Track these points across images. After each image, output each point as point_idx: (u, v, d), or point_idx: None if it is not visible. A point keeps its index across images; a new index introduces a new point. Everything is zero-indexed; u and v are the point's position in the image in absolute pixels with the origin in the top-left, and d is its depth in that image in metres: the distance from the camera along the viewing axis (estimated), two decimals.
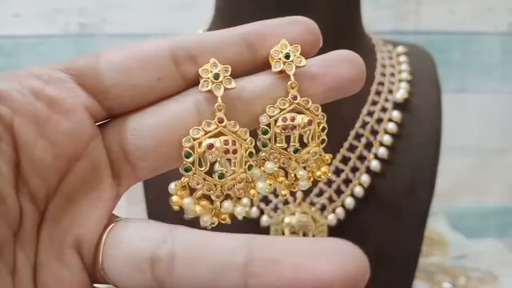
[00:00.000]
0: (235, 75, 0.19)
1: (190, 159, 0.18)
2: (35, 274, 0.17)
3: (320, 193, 0.37)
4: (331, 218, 0.36)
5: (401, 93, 0.39)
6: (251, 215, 0.37)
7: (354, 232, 0.37)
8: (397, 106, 0.39)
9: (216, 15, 0.40)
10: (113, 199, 0.18)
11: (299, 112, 0.19)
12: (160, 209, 0.38)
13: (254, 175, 0.19)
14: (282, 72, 0.19)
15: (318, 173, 0.20)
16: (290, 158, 0.19)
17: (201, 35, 0.19)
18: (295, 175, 0.20)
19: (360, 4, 0.39)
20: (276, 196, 0.37)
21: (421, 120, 0.39)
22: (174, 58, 0.18)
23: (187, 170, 0.18)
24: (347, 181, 0.37)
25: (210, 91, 0.18)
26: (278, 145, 0.19)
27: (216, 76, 0.18)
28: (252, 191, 0.19)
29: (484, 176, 0.76)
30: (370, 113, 0.38)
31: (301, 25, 0.19)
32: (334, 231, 0.36)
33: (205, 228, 0.18)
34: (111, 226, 0.18)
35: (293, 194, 0.37)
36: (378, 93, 0.39)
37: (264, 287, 0.15)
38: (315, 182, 0.34)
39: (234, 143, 0.18)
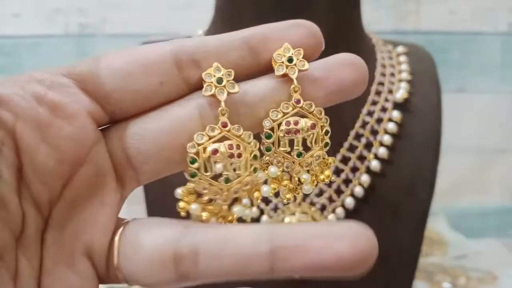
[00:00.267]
0: (238, 79, 0.19)
1: (195, 165, 0.18)
2: (40, 280, 0.17)
3: (320, 193, 0.37)
4: (331, 218, 0.36)
5: (401, 93, 0.39)
6: (251, 215, 0.37)
7: None
8: (397, 106, 0.39)
9: (216, 15, 0.39)
10: (118, 203, 0.18)
11: (302, 116, 0.19)
12: (160, 209, 0.38)
13: (260, 178, 0.19)
14: (285, 75, 0.19)
15: (321, 176, 0.20)
16: (293, 162, 0.19)
17: (203, 39, 0.19)
18: (298, 178, 0.20)
19: (360, 4, 0.39)
20: (276, 196, 0.37)
21: (421, 120, 0.39)
22: (177, 62, 0.18)
23: (192, 176, 0.18)
24: (347, 181, 0.37)
25: (213, 96, 0.18)
26: (281, 149, 0.19)
27: (220, 81, 0.18)
28: (256, 194, 0.19)
29: (484, 176, 0.76)
30: (370, 113, 0.38)
31: (303, 29, 0.19)
32: None
33: None
34: (121, 228, 0.18)
35: None
36: (378, 93, 0.39)
37: (290, 270, 0.15)
38: None
39: (238, 147, 0.18)
